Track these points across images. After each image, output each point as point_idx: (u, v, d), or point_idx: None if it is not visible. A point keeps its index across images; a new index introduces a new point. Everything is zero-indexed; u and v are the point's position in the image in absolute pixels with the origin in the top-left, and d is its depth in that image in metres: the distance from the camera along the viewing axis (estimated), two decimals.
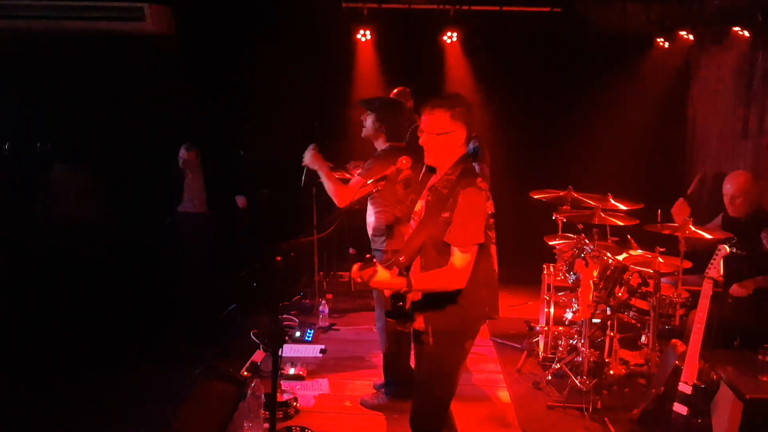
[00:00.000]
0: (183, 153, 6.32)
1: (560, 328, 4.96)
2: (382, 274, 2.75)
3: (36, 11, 6.31)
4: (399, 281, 2.79)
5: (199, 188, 6.42)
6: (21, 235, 6.33)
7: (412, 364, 4.28)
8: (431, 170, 3.05)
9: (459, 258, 2.81)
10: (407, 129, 4.41)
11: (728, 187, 4.64)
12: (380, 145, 4.22)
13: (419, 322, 2.97)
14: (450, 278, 2.82)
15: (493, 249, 3.00)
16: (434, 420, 3.07)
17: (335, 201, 4.03)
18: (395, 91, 5.99)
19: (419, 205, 3.03)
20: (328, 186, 4.02)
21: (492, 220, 2.95)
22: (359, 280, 2.76)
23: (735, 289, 4.44)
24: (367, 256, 2.79)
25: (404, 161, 3.20)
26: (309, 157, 4.11)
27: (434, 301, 2.90)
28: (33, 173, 6.91)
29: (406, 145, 4.24)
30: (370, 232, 4.26)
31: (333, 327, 5.93)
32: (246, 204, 6.38)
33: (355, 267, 2.77)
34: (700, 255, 4.68)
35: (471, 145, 5.67)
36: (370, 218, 4.24)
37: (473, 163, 3.09)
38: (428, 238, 2.90)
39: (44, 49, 6.60)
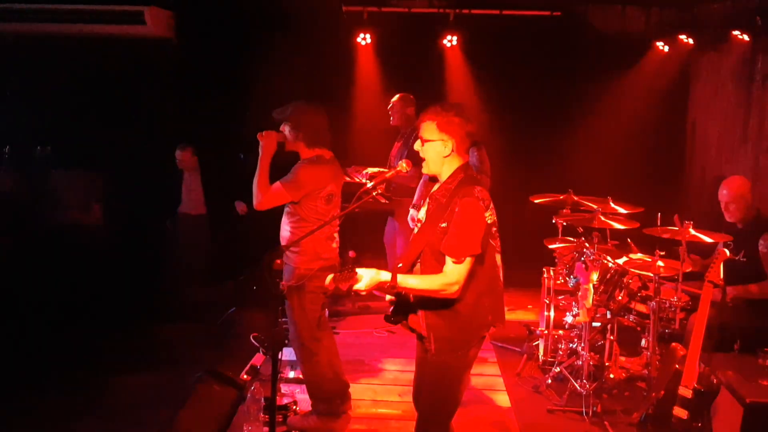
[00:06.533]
0: (178, 153, 6.35)
1: (560, 331, 4.96)
2: (366, 276, 2.74)
3: (36, 15, 6.32)
4: (383, 277, 2.77)
5: (197, 189, 6.43)
6: (22, 239, 6.33)
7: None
8: (432, 179, 3.05)
9: (451, 268, 2.80)
10: (328, 132, 4.10)
11: (723, 194, 4.59)
12: (304, 153, 4.01)
13: (422, 328, 2.96)
14: (439, 285, 2.81)
15: (498, 257, 3.00)
16: (440, 428, 3.07)
17: (254, 199, 3.89)
18: (397, 96, 5.99)
19: (422, 213, 3.03)
20: (255, 181, 3.87)
21: (495, 229, 2.95)
22: (334, 290, 2.74)
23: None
24: (349, 258, 2.76)
25: (404, 165, 3.19)
26: (266, 137, 3.91)
27: (437, 308, 2.90)
28: (33, 177, 6.92)
29: (332, 154, 4.06)
30: (283, 244, 3.99)
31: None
32: (246, 210, 6.39)
33: (330, 277, 2.74)
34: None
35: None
36: (285, 232, 4.01)
37: None
38: (427, 246, 2.91)
39: (44, 53, 6.61)
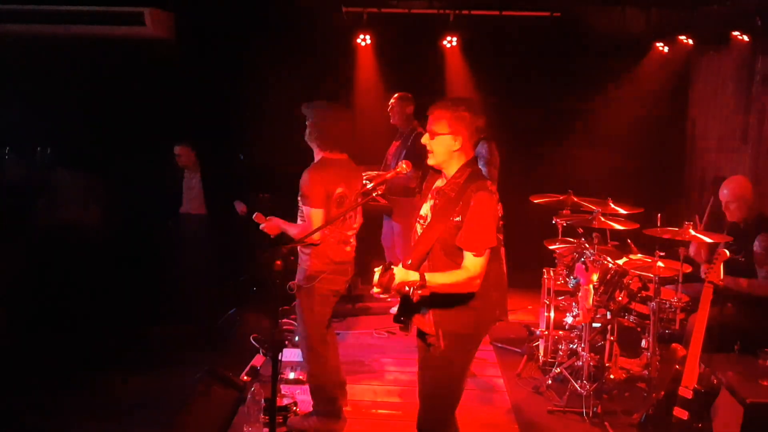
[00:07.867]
0: (176, 149, 6.37)
1: (560, 332, 4.96)
2: (399, 274, 2.72)
3: (36, 16, 6.32)
4: (413, 276, 2.76)
5: (196, 188, 6.43)
6: (22, 240, 6.32)
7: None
8: (436, 172, 3.05)
9: (473, 262, 2.81)
10: (346, 136, 4.10)
11: (724, 193, 4.62)
12: (316, 153, 4.02)
13: (429, 326, 2.96)
14: (464, 281, 2.81)
15: (503, 251, 3.02)
16: (441, 424, 3.07)
17: (297, 236, 3.93)
18: (396, 96, 5.99)
19: (425, 209, 3.03)
20: (292, 233, 3.96)
21: (501, 223, 2.97)
22: (382, 289, 2.73)
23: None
24: (387, 263, 2.74)
25: (404, 165, 3.18)
26: (268, 228, 4.03)
27: (447, 304, 2.89)
28: (34, 177, 6.92)
29: (346, 156, 4.06)
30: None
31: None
32: (246, 210, 6.39)
33: (377, 278, 2.73)
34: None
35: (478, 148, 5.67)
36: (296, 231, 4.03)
37: (480, 166, 3.07)
38: (437, 241, 2.90)
39: (45, 53, 6.60)
